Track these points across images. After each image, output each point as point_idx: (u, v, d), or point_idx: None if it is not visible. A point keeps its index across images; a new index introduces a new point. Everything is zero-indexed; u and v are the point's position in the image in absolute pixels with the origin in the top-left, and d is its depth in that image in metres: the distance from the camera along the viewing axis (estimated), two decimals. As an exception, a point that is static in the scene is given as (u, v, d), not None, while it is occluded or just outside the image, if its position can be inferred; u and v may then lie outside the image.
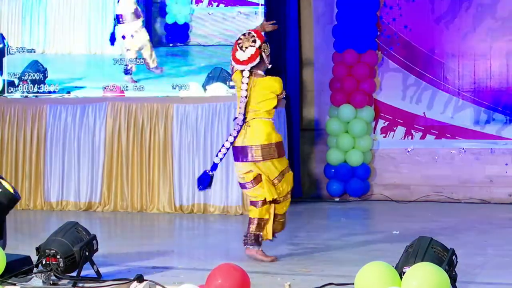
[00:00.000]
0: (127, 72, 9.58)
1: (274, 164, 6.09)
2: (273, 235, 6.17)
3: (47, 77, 9.83)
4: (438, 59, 10.25)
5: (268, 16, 9.26)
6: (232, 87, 8.86)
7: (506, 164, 10.02)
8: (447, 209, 9.48)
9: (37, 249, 5.22)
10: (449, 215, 8.87)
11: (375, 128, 10.50)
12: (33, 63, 9.89)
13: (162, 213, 9.21)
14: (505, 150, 10.02)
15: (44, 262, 5.14)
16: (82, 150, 9.56)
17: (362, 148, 10.29)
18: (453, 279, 4.48)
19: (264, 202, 6.11)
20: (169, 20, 9.56)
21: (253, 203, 6.13)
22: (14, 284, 4.96)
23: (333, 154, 10.31)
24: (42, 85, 9.84)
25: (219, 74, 9.25)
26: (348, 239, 7.19)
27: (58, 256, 5.11)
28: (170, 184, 9.26)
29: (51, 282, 5.07)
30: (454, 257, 4.60)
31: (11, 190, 5.50)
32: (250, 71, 6.04)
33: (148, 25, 9.62)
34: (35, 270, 5.18)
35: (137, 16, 9.60)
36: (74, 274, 5.17)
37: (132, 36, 9.57)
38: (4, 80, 9.94)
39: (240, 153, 6.03)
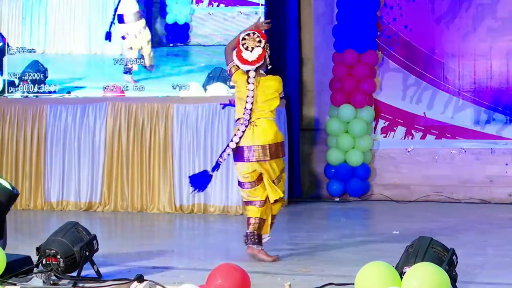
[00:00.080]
0: (127, 71, 9.59)
1: (276, 164, 6.12)
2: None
3: (47, 77, 9.84)
4: (438, 59, 10.25)
5: (268, 16, 9.26)
6: (232, 87, 8.86)
7: (506, 164, 10.02)
8: (447, 209, 9.48)
9: (37, 249, 5.22)
10: (449, 215, 8.87)
11: (375, 128, 10.50)
12: (33, 63, 9.90)
13: (162, 213, 9.21)
14: (505, 150, 10.02)
15: (44, 262, 5.14)
16: (83, 150, 9.56)
17: (362, 148, 10.29)
18: (453, 279, 4.48)
19: (264, 202, 6.11)
20: (169, 20, 9.56)
21: (252, 203, 6.12)
22: (14, 284, 4.96)
23: (333, 154, 10.31)
24: (42, 85, 9.84)
25: (220, 74, 9.25)
26: (348, 239, 7.19)
27: (58, 256, 5.11)
28: (170, 184, 9.26)
29: (51, 282, 5.07)
30: (454, 257, 4.60)
31: (9, 187, 5.49)
32: (255, 70, 6.08)
33: (149, 25, 9.63)
34: (35, 270, 5.18)
35: (141, 16, 9.61)
36: (74, 274, 5.17)
37: (135, 36, 9.58)
38: (4, 80, 9.95)
39: (247, 153, 6.03)
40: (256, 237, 6.05)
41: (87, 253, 5.20)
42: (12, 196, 5.52)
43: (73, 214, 9.03)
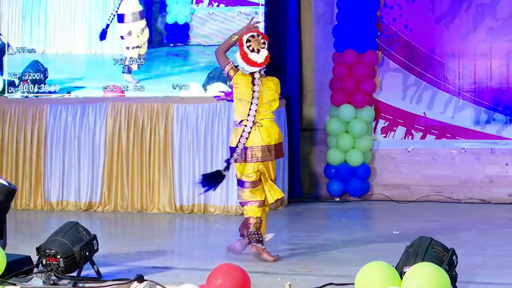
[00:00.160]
0: (128, 71, 9.58)
1: (274, 164, 6.23)
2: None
3: (47, 77, 9.84)
4: (438, 59, 10.25)
5: (268, 16, 9.27)
6: (232, 87, 8.85)
7: (507, 164, 10.02)
8: (447, 209, 9.48)
9: (38, 249, 5.22)
10: (449, 215, 8.87)
11: (375, 128, 10.50)
12: (33, 63, 9.89)
13: (162, 213, 9.21)
14: (506, 150, 10.02)
15: (44, 262, 5.15)
16: (83, 150, 9.56)
17: (362, 148, 10.29)
18: (453, 279, 4.48)
19: (263, 203, 6.16)
20: (169, 20, 9.56)
21: (251, 203, 6.13)
22: (14, 284, 4.96)
23: (333, 154, 10.31)
24: (42, 85, 9.84)
25: (219, 74, 9.25)
26: (348, 239, 7.19)
27: (58, 256, 5.11)
28: (170, 184, 9.26)
29: (52, 282, 5.08)
30: (454, 257, 4.60)
31: (5, 183, 5.49)
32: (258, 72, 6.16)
33: (149, 25, 9.63)
34: (35, 270, 5.19)
35: (142, 16, 9.61)
36: (74, 274, 5.18)
37: (138, 36, 9.58)
38: (4, 80, 9.94)
39: (254, 153, 6.08)
40: (260, 236, 6.07)
41: (87, 253, 5.20)
42: (10, 191, 5.51)
43: (73, 214, 9.03)
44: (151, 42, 9.62)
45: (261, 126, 6.09)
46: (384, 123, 10.48)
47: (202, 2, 9.45)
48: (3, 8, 9.99)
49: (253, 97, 6.08)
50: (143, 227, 8.47)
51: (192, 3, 9.48)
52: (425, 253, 4.55)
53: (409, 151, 10.35)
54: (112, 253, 6.33)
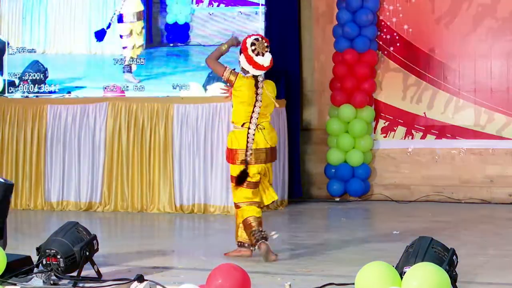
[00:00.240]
0: (129, 70, 9.58)
1: (271, 166, 6.35)
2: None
3: (47, 77, 9.84)
4: (438, 59, 10.25)
5: (268, 16, 9.26)
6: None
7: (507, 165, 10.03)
8: (447, 209, 9.48)
9: (38, 249, 5.22)
10: (449, 215, 8.88)
11: (375, 128, 10.49)
12: (33, 63, 9.89)
13: (162, 213, 9.21)
14: (505, 150, 10.02)
15: (44, 262, 5.15)
16: (83, 150, 9.56)
17: (362, 148, 10.29)
18: (453, 279, 4.48)
19: (259, 204, 6.23)
20: (169, 20, 9.56)
21: (249, 203, 6.15)
22: (15, 284, 4.96)
23: (333, 154, 10.31)
24: (42, 85, 9.84)
25: (220, 74, 9.24)
26: (348, 239, 7.19)
27: (58, 256, 5.11)
28: (170, 184, 9.26)
29: (52, 282, 5.07)
30: (454, 257, 4.60)
31: (1, 179, 5.48)
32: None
33: (149, 25, 9.63)
34: (35, 270, 5.19)
35: (143, 17, 9.61)
36: (74, 274, 5.18)
37: (138, 34, 9.59)
38: (4, 80, 9.94)
39: (259, 155, 6.14)
40: (265, 233, 6.10)
41: (87, 253, 5.20)
42: (7, 187, 5.50)
43: (73, 214, 9.03)
44: (151, 42, 9.62)
45: (264, 128, 6.18)
46: (384, 123, 10.48)
47: (202, 2, 9.45)
48: (3, 8, 9.99)
49: (256, 100, 6.16)
50: (143, 227, 8.46)
51: (192, 3, 9.48)
52: (425, 253, 4.55)
53: (409, 151, 10.35)
54: (112, 253, 6.33)
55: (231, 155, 6.19)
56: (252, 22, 9.20)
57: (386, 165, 10.43)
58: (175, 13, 9.54)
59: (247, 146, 6.12)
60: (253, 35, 6.29)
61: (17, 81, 9.91)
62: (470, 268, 5.55)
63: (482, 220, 8.50)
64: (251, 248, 6.19)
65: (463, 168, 10.14)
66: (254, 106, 6.14)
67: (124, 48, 9.60)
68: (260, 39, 6.18)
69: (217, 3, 9.41)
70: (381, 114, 10.47)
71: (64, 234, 5.24)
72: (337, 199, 10.34)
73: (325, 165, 10.44)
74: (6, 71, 9.93)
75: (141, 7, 9.62)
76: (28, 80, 9.87)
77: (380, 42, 10.43)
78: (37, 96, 9.85)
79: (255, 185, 6.18)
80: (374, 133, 10.48)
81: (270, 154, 6.20)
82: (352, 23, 10.21)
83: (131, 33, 9.62)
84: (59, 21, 9.86)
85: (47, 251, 5.14)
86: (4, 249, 5.27)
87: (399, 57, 10.39)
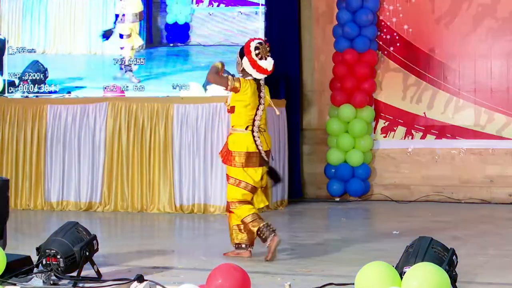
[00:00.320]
0: (129, 70, 9.58)
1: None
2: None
3: (47, 77, 9.84)
4: (438, 59, 10.25)
5: (268, 16, 9.26)
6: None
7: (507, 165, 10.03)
8: (447, 209, 9.48)
9: (38, 249, 5.22)
10: (449, 215, 8.88)
11: (375, 128, 10.50)
12: (33, 63, 9.90)
13: (162, 213, 9.21)
14: (505, 150, 10.02)
15: (44, 262, 5.14)
16: (83, 150, 9.56)
17: (362, 148, 10.29)
18: (453, 279, 4.48)
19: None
20: (169, 20, 9.57)
21: (244, 203, 6.15)
22: (14, 284, 4.96)
23: (333, 154, 10.31)
24: (42, 85, 9.84)
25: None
26: (348, 239, 7.19)
27: (58, 256, 5.11)
28: (170, 184, 9.26)
29: (52, 282, 5.07)
30: (454, 257, 4.60)
31: None
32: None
33: (149, 25, 9.63)
34: (35, 270, 5.18)
35: (142, 17, 9.61)
36: (74, 274, 5.17)
37: (137, 36, 9.59)
38: (4, 80, 9.95)
39: (262, 157, 6.16)
40: (272, 226, 6.09)
41: (87, 253, 5.20)
42: (3, 184, 5.49)
43: (73, 214, 9.03)
44: (151, 42, 9.62)
45: (264, 131, 6.22)
46: (384, 123, 10.48)
47: (202, 2, 9.45)
48: (3, 8, 10.00)
49: (260, 103, 6.19)
50: (143, 227, 8.46)
51: (192, 3, 9.49)
52: (425, 253, 4.55)
53: (409, 151, 10.35)
54: (112, 253, 6.32)
55: (229, 157, 6.17)
56: (252, 22, 9.19)
57: (386, 165, 10.43)
58: (175, 13, 9.54)
59: (258, 149, 6.14)
60: (255, 38, 6.31)
61: (17, 81, 9.91)
62: (470, 268, 5.55)
63: (482, 220, 8.50)
64: (249, 248, 6.20)
65: (463, 168, 10.15)
66: (257, 109, 6.18)
67: (121, 48, 9.60)
68: (263, 43, 6.22)
69: (217, 3, 9.41)
70: (381, 114, 10.47)
71: (64, 234, 5.24)
72: (337, 199, 10.34)
73: (325, 165, 10.44)
74: (6, 71, 9.94)
75: (140, 8, 9.62)
76: (28, 80, 9.87)
77: (380, 42, 10.43)
78: (37, 96, 9.85)
79: (254, 188, 6.19)
80: (374, 133, 10.49)
81: (269, 157, 6.23)
82: (352, 23, 10.22)
83: (130, 33, 9.62)
84: (59, 21, 9.87)
85: (47, 251, 5.14)
86: (4, 249, 5.27)
87: (399, 57, 10.39)
